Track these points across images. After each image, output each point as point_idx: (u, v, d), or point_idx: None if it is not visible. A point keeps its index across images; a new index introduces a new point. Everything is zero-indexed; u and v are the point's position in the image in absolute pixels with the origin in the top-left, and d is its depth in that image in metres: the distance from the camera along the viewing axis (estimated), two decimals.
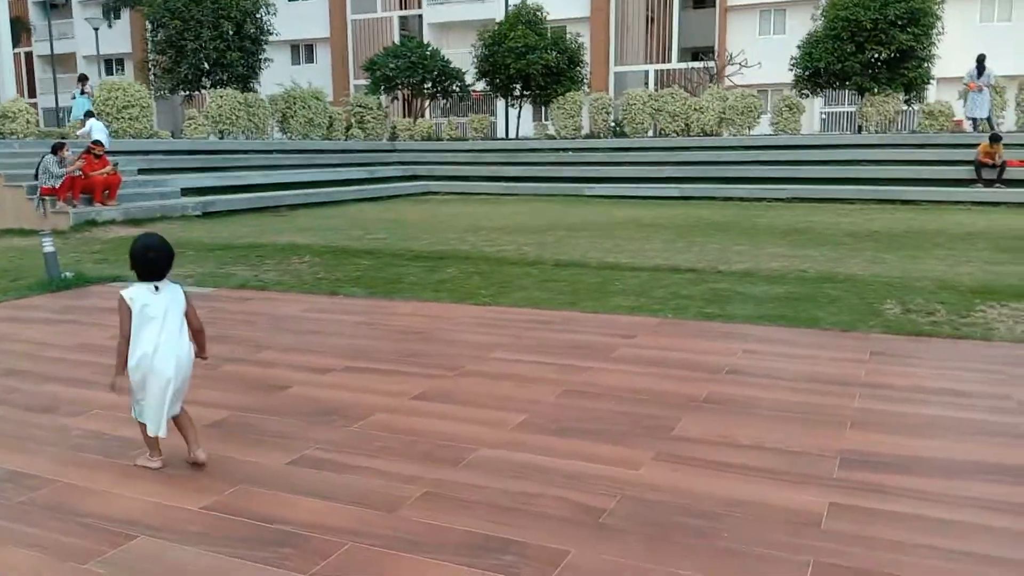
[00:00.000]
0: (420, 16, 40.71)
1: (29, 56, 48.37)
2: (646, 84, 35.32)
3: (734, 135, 23.11)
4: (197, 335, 3.59)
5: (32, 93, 48.36)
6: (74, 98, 17.67)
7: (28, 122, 16.21)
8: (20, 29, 42.12)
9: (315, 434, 3.85)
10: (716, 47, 34.77)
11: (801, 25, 31.45)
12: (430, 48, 29.39)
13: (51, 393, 4.55)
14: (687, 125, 23.68)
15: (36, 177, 13.22)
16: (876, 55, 22.28)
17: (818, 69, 23.31)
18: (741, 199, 19.12)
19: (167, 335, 3.36)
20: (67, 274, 8.10)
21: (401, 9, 41.19)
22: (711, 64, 32.12)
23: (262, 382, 4.72)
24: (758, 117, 23.15)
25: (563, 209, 17.37)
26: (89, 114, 17.57)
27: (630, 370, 4.82)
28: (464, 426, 3.92)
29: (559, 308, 6.66)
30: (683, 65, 35.64)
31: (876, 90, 22.56)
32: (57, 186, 13.13)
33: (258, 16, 24.91)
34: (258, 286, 7.93)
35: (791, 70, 24.53)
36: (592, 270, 8.74)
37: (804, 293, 7.21)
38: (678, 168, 21.36)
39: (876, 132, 22.14)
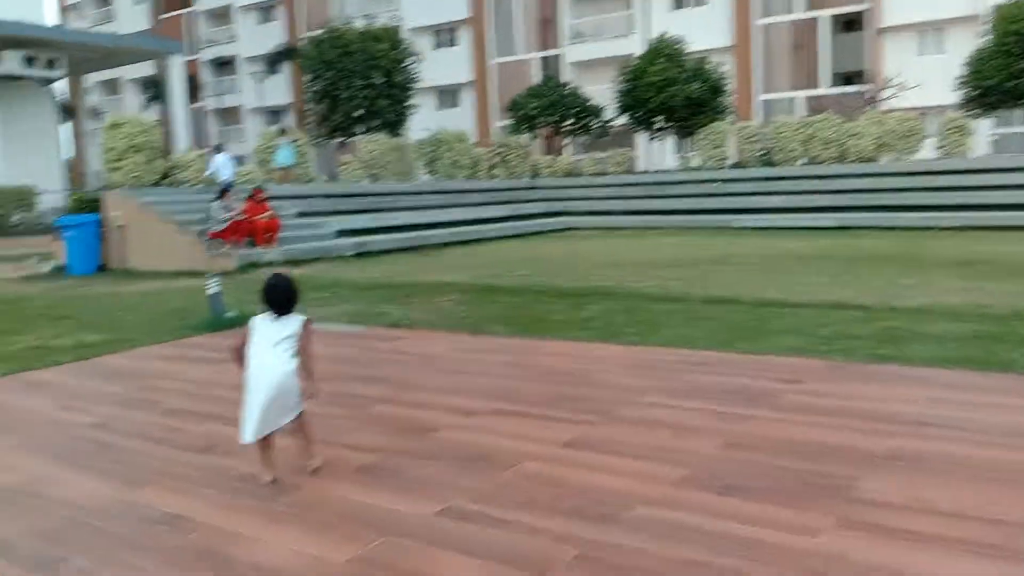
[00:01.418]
0: (561, 56, 41.19)
1: (201, 110, 52.57)
2: (795, 111, 34.04)
3: (895, 160, 21.73)
4: (305, 363, 3.85)
5: (204, 144, 52.50)
6: (279, 148, 19.16)
7: (198, 171, 17.44)
8: (192, 86, 45.87)
9: (463, 481, 3.70)
10: (870, 70, 33.10)
11: (962, 43, 29.48)
12: (570, 86, 29.58)
13: (210, 433, 4.66)
14: (842, 152, 22.52)
15: (204, 222, 14.11)
16: None
17: (987, 88, 21.65)
18: (905, 228, 17.88)
19: (271, 358, 3.72)
20: (230, 314, 8.46)
21: (542, 50, 41.84)
22: (866, 88, 30.57)
23: (411, 424, 4.64)
24: (920, 141, 21.70)
25: (710, 242, 16.81)
26: (218, 148, 18.43)
27: (799, 419, 4.40)
28: (618, 479, 3.65)
29: (712, 348, 6.28)
30: (835, 90, 34.15)
31: None
32: (223, 230, 13.96)
33: (405, 65, 25.90)
34: (407, 324, 7.99)
35: (956, 90, 22.92)
36: (745, 307, 8.26)
37: (991, 332, 6.48)
38: (834, 196, 20.30)
39: None
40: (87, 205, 15.75)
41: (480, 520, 3.28)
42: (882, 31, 33.94)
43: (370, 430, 4.56)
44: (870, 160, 22.12)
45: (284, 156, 19.50)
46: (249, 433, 3.71)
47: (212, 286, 8.38)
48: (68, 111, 39.30)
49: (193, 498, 3.67)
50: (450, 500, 3.49)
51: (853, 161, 22.23)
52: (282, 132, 19.98)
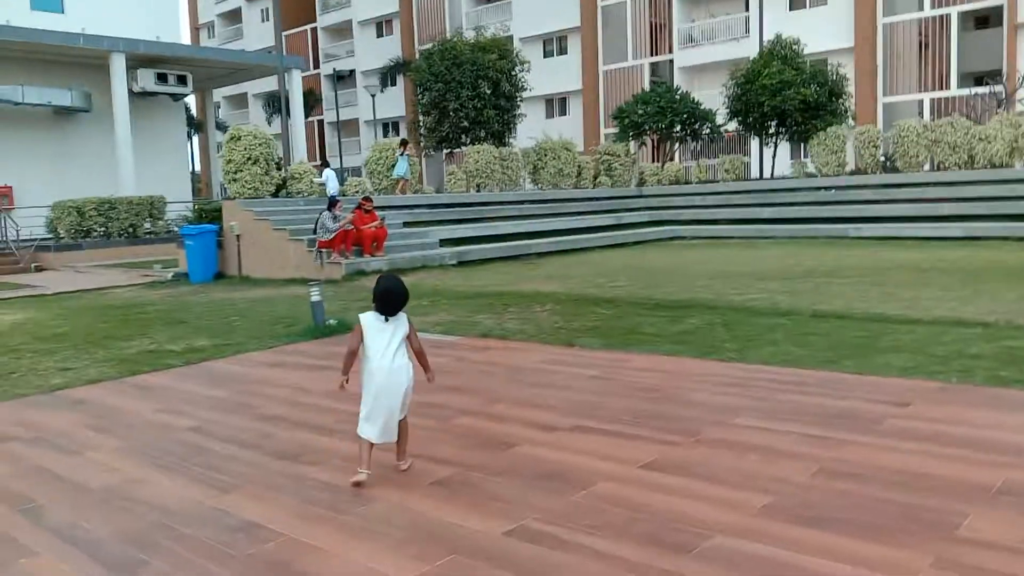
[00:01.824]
0: (671, 61, 40.56)
1: (320, 123, 54.64)
2: (920, 114, 32.29)
3: None
4: (419, 357, 4.11)
5: (322, 155, 54.47)
6: (396, 160, 20.24)
7: (312, 182, 18.06)
8: (312, 100, 47.74)
9: (536, 500, 3.62)
10: (1004, 69, 31.00)
11: None
12: (680, 91, 29.04)
13: (300, 440, 4.76)
14: (971, 157, 21.15)
15: (314, 231, 14.59)
16: None
17: None
18: None
19: (396, 362, 3.95)
20: (331, 321, 8.68)
21: (652, 56, 41.31)
22: (999, 88, 28.67)
23: (491, 438, 4.60)
24: None
25: (823, 252, 16.10)
26: (325, 163, 19.40)
27: (902, 447, 4.09)
28: (698, 505, 3.49)
29: (816, 367, 5.96)
30: (964, 91, 32.17)
31: None
32: (332, 239, 14.39)
33: (513, 74, 26.07)
34: (500, 335, 7.98)
35: None
36: (857, 322, 7.83)
37: None
38: (961, 205, 19.08)
39: None
40: (207, 215, 16.59)
41: (549, 542, 3.19)
42: (1019, 27, 31.75)
43: (450, 442, 4.55)
44: (1002, 166, 20.68)
45: (401, 168, 20.30)
46: (376, 434, 3.94)
47: (314, 294, 8.63)
48: (197, 125, 41.63)
49: (274, 506, 3.74)
50: (521, 519, 3.42)
51: (983, 167, 20.85)
52: (403, 144, 20.78)
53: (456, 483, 3.91)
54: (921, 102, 34.19)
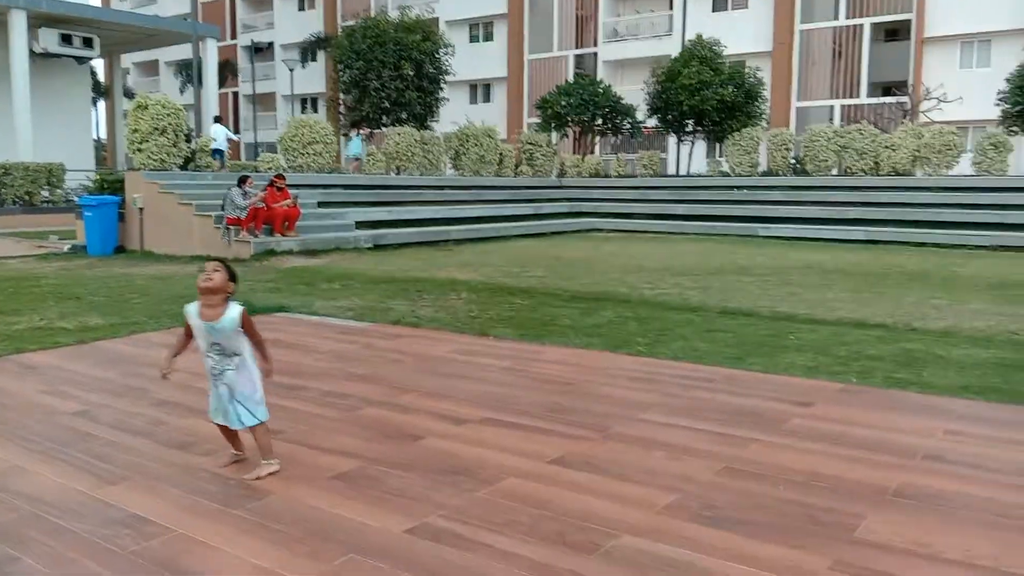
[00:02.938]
0: (595, 54, 40.86)
1: (236, 95, 52.90)
2: (831, 120, 33.45)
3: (930, 175, 21.22)
4: (258, 347, 3.84)
5: (236, 129, 52.77)
6: (350, 139, 20.96)
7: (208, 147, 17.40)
8: (228, 71, 46.14)
9: (440, 497, 3.52)
10: (911, 81, 32.42)
11: (1008, 57, 28.77)
12: (602, 85, 29.28)
13: (192, 428, 4.52)
14: (876, 163, 22.05)
15: (223, 208, 14.06)
16: None
17: None
18: (937, 245, 17.44)
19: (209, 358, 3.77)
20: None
21: (577, 48, 41.53)
22: (905, 99, 29.94)
23: (397, 430, 4.47)
24: (958, 156, 21.18)
25: (734, 250, 16.49)
26: (217, 119, 19.73)
27: (804, 447, 4.16)
28: (604, 503, 3.45)
29: (723, 364, 6.04)
30: (873, 100, 33.51)
31: None
32: (242, 217, 13.89)
33: (437, 57, 25.75)
34: (412, 322, 7.83)
35: (998, 105, 22.34)
36: (763, 320, 8.00)
37: (1017, 360, 6.18)
38: (865, 209, 19.87)
39: None
40: (110, 186, 15.79)
41: (452, 541, 3.09)
42: (925, 41, 33.23)
43: (354, 434, 4.39)
44: (905, 174, 21.62)
45: (355, 147, 20.81)
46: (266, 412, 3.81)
47: None
48: (103, 91, 39.69)
49: (162, 499, 3.52)
50: (424, 516, 3.31)
51: (887, 174, 21.75)
52: (354, 125, 21.72)
53: (358, 477, 3.77)
54: (832, 108, 35.46)
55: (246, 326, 3.73)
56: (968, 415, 4.75)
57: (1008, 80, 22.02)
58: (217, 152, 18.80)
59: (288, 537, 3.13)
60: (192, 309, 3.73)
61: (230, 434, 3.89)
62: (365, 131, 21.35)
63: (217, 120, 19.50)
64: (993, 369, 5.86)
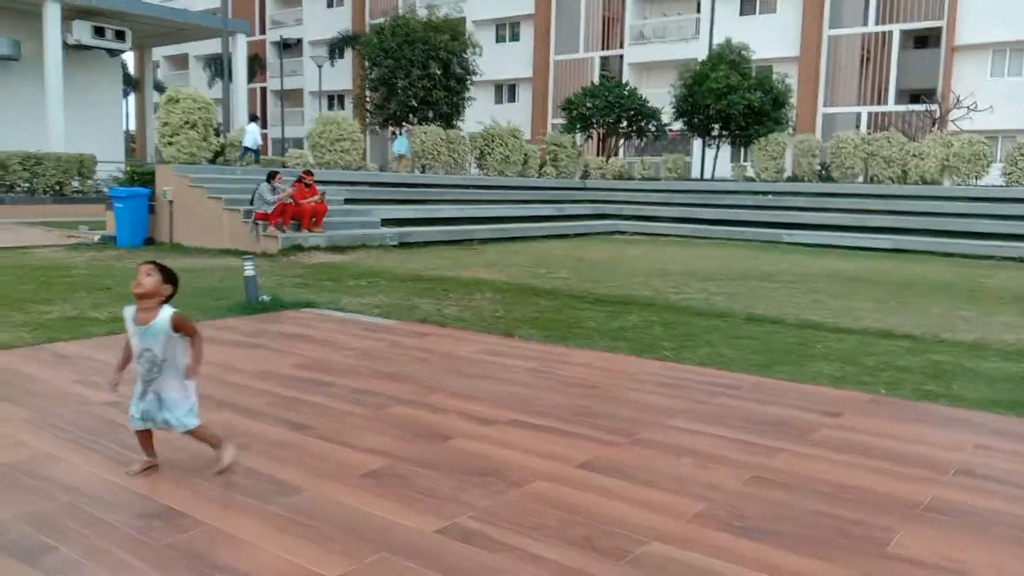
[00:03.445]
0: (621, 56, 40.76)
1: (264, 91, 53.29)
2: (858, 127, 33.16)
3: (958, 184, 20.98)
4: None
5: (264, 124, 53.18)
6: (396, 136, 21.97)
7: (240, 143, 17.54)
8: (256, 66, 46.51)
9: (470, 497, 3.54)
10: (940, 89, 32.07)
11: None
12: (628, 87, 29.21)
13: (223, 422, 4.56)
14: (904, 172, 21.84)
15: (251, 203, 14.18)
16: None
17: None
18: (964, 255, 17.24)
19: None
20: (264, 298, 8.43)
21: (603, 50, 41.45)
22: (934, 107, 29.63)
23: (426, 429, 4.50)
24: (988, 166, 20.92)
25: (758, 255, 16.40)
26: (253, 117, 20.59)
27: (834, 458, 4.14)
28: (633, 509, 3.45)
29: (750, 371, 6.02)
30: (901, 108, 33.18)
31: None
32: (270, 212, 14.01)
33: (465, 57, 25.81)
34: (439, 321, 7.86)
35: None
36: (789, 328, 7.96)
37: None
38: (891, 217, 19.67)
39: None
40: (140, 178, 15.97)
41: (482, 542, 3.11)
42: (956, 49, 32.86)
43: (383, 432, 4.42)
44: (933, 183, 21.39)
45: (401, 145, 21.45)
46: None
47: (248, 268, 8.36)
48: (133, 83, 40.14)
49: (194, 493, 3.57)
50: (454, 517, 3.34)
51: (915, 182, 21.53)
52: (400, 124, 22.57)
53: (387, 476, 3.80)
54: (859, 115, 35.15)
55: (181, 328, 3.62)
56: (998, 430, 4.71)
57: None
58: (248, 150, 19.30)
59: (320, 534, 3.17)
60: (128, 313, 3.65)
61: (146, 440, 3.78)
62: (410, 128, 21.94)
63: (254, 119, 19.94)
64: (1023, 384, 5.80)
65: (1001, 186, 20.95)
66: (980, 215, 18.95)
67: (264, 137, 44.33)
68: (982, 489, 3.77)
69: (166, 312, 3.60)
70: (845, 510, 3.49)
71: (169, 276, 3.69)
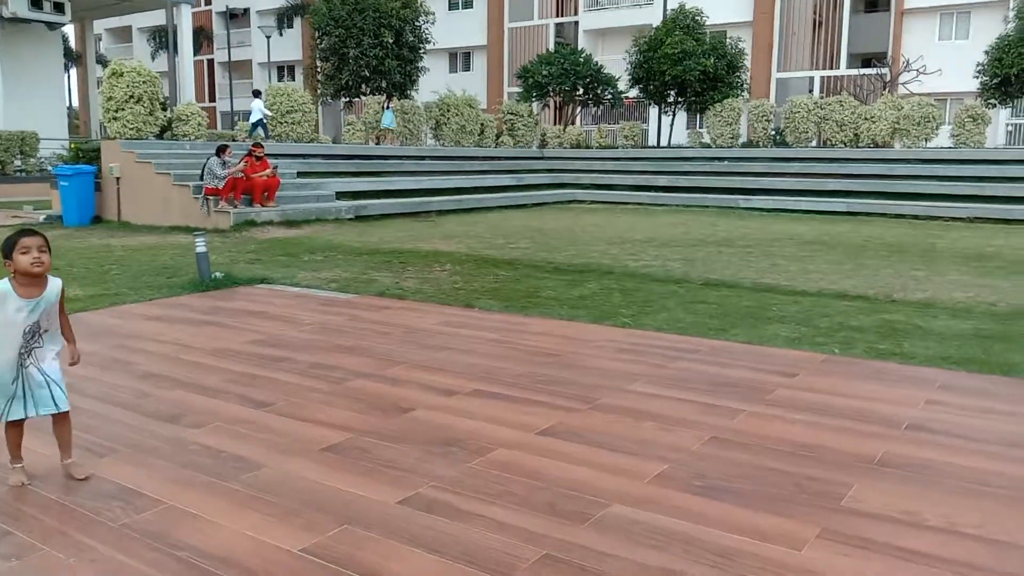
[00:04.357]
0: (576, 23, 40.52)
1: (211, 63, 52.01)
2: (811, 91, 33.49)
3: (909, 147, 21.36)
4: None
5: (212, 98, 51.98)
6: (383, 110, 21.83)
7: (200, 125, 17.10)
8: (202, 38, 45.31)
9: (432, 468, 3.54)
10: (890, 52, 32.49)
11: (987, 29, 28.92)
12: (583, 54, 29.07)
13: (179, 400, 4.50)
14: (856, 135, 22.13)
15: (201, 177, 13.89)
16: None
17: (1008, 76, 21.21)
18: (915, 217, 17.61)
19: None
20: (217, 274, 8.29)
21: (558, 16, 41.15)
22: (884, 71, 30.02)
23: (386, 401, 4.48)
24: (936, 128, 21.29)
25: (715, 221, 16.55)
26: (256, 93, 20.49)
27: (790, 417, 4.22)
28: (595, 473, 3.48)
29: (707, 335, 6.09)
30: (853, 71, 33.57)
31: None
32: (220, 187, 13.73)
33: (417, 25, 25.41)
34: (397, 294, 7.81)
35: (976, 77, 22.47)
36: (746, 292, 8.07)
37: (995, 331, 6.29)
38: (845, 181, 19.99)
39: None
40: (85, 155, 15.53)
41: (445, 512, 3.11)
42: (906, 12, 33.25)
43: (344, 406, 4.39)
44: (884, 146, 21.74)
45: (387, 119, 21.60)
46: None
47: (200, 244, 8.20)
48: (75, 58, 38.87)
49: (152, 472, 3.51)
50: (417, 487, 3.33)
51: (867, 146, 21.86)
52: (388, 97, 22.63)
53: (349, 449, 3.77)
54: (812, 79, 35.47)
55: (62, 300, 3.41)
56: (949, 385, 4.83)
57: (986, 52, 22.12)
58: (258, 124, 19.73)
59: (282, 509, 3.14)
60: (5, 289, 3.26)
61: (18, 436, 3.42)
62: (393, 104, 22.35)
63: (257, 94, 20.12)
64: (972, 340, 5.96)
65: (950, 148, 21.37)
66: (930, 177, 19.33)
67: (212, 111, 43.36)
68: (934, 443, 3.87)
69: (56, 282, 3.37)
70: (801, 467, 3.56)
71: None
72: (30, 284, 3.29)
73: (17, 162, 22.38)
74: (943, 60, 30.23)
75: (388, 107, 21.98)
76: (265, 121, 19.75)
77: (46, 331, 3.38)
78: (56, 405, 3.38)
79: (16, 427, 3.40)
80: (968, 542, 2.89)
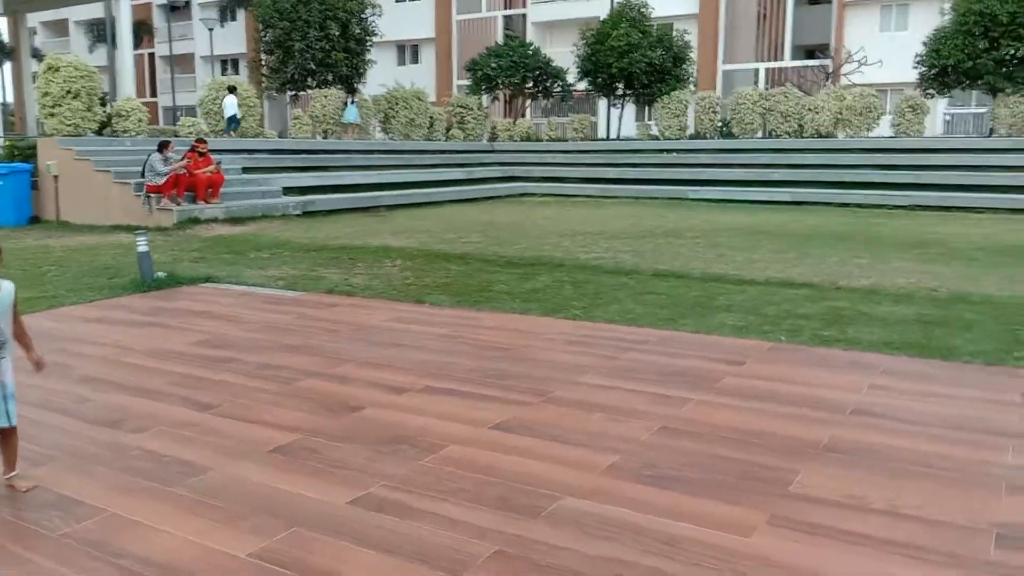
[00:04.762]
0: (524, 15, 40.49)
1: (152, 57, 50.75)
2: (756, 83, 33.98)
3: (851, 137, 21.81)
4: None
5: (153, 92, 50.74)
6: (346, 105, 21.92)
7: (140, 121, 16.67)
8: (143, 31, 44.21)
9: (383, 467, 3.50)
10: (832, 44, 33.12)
11: (926, 21, 29.62)
12: (532, 47, 29.06)
13: (120, 405, 4.37)
14: (800, 126, 22.52)
15: (143, 175, 13.54)
16: (1012, 52, 20.57)
17: (945, 67, 21.77)
18: (859, 205, 17.99)
19: None
20: (160, 274, 8.10)
21: (505, 8, 41.06)
22: (827, 62, 30.60)
23: (335, 400, 4.41)
24: (878, 118, 21.77)
25: (664, 213, 16.70)
26: (232, 89, 19.93)
27: (738, 405, 4.27)
28: (547, 466, 3.48)
29: (657, 326, 6.14)
30: (797, 63, 34.14)
31: (1010, 90, 20.84)
32: (162, 183, 13.40)
33: (364, 17, 25.12)
34: (346, 291, 7.71)
35: (915, 68, 23.02)
36: (695, 282, 8.15)
37: (936, 316, 6.45)
38: (790, 171, 20.32)
39: (1009, 135, 20.42)
40: (21, 152, 15.03)
41: (397, 511, 3.08)
42: (847, 4, 33.91)
43: (292, 406, 4.32)
44: (828, 136, 22.16)
45: (351, 114, 21.64)
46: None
47: (141, 243, 7.99)
48: (8, 52, 37.56)
49: (92, 479, 3.41)
50: (367, 487, 3.29)
51: (811, 136, 22.26)
52: (351, 92, 22.81)
53: (297, 450, 3.71)
54: (757, 71, 35.97)
55: (15, 304, 3.26)
56: (892, 370, 4.94)
57: (925, 44, 22.67)
58: (232, 120, 19.32)
59: (229, 513, 3.07)
60: None
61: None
62: (358, 97, 22.53)
63: (232, 90, 19.76)
64: (915, 325, 6.10)
65: (890, 137, 21.87)
66: (872, 166, 19.76)
67: (154, 106, 42.36)
68: (878, 427, 3.95)
69: (8, 283, 3.21)
70: (749, 454, 3.60)
71: None
72: None
73: None
74: (884, 51, 30.89)
75: (353, 102, 22.03)
76: (238, 116, 19.47)
77: (3, 342, 3.21)
78: (9, 419, 3.24)
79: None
80: (911, 523, 2.95)
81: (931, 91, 22.65)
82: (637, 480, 3.34)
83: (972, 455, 3.59)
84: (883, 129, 23.39)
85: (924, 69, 22.43)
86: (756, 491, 3.22)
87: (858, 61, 28.72)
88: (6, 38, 37.61)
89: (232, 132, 19.10)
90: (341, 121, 21.85)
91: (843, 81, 28.75)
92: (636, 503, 3.12)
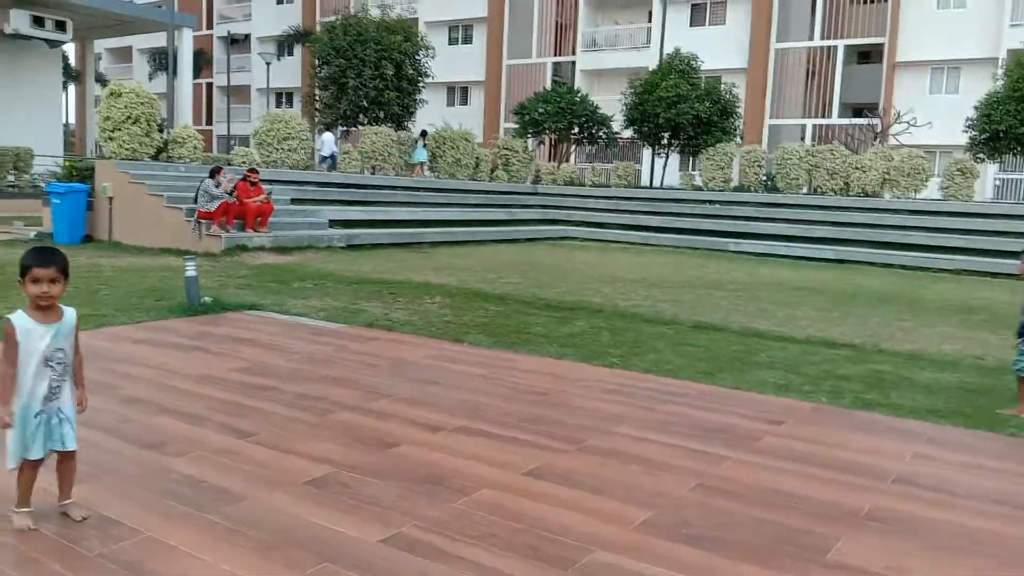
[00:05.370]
0: (573, 63, 41.02)
1: (210, 86, 52.28)
2: (803, 139, 33.92)
3: (898, 197, 21.59)
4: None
5: (209, 121, 52.17)
6: (415, 145, 23.03)
7: (195, 148, 17.12)
8: (202, 61, 45.61)
9: (415, 507, 3.49)
10: (881, 104, 32.98)
11: (976, 84, 29.40)
12: (580, 94, 29.38)
13: (162, 427, 4.44)
14: (846, 184, 22.37)
15: (195, 200, 13.87)
16: None
17: (997, 132, 21.52)
18: (903, 267, 17.73)
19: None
20: (206, 299, 8.25)
21: (555, 55, 41.65)
22: (875, 121, 30.44)
23: (371, 436, 4.43)
24: (926, 180, 21.55)
25: (705, 263, 16.63)
26: (328, 127, 21.84)
27: (777, 466, 4.20)
28: (580, 517, 3.45)
29: (695, 379, 6.08)
30: (844, 121, 34.02)
31: None
32: (212, 210, 13.71)
33: (417, 58, 25.66)
34: (386, 325, 7.78)
35: (965, 132, 22.80)
36: (734, 336, 8.07)
37: (983, 385, 6.30)
38: (834, 228, 20.15)
39: None
40: (79, 173, 15.49)
41: (427, 553, 3.07)
42: (897, 65, 33.82)
43: (328, 438, 4.35)
44: (874, 195, 21.97)
45: (421, 154, 22.72)
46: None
47: (190, 268, 8.16)
48: (74, 75, 38.99)
49: (131, 500, 3.45)
50: (399, 526, 3.29)
51: (857, 195, 22.09)
52: (423, 134, 23.45)
53: (331, 484, 3.73)
54: (804, 127, 35.93)
55: (77, 333, 3.26)
56: (936, 439, 4.83)
57: (976, 108, 22.49)
58: (326, 158, 20.89)
59: (262, 544, 3.09)
60: (22, 319, 3.09)
61: (33, 479, 3.20)
62: (427, 141, 23.44)
63: (328, 128, 20.57)
64: (959, 393, 5.97)
65: (938, 200, 21.60)
66: (918, 228, 19.51)
67: (209, 134, 43.47)
68: (921, 498, 3.85)
69: (71, 310, 3.24)
70: (788, 518, 3.53)
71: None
72: (44, 309, 3.14)
73: (10, 177, 22.33)
74: (933, 113, 30.70)
75: (424, 144, 23.07)
76: (337, 155, 20.29)
77: (65, 366, 3.22)
78: (64, 443, 3.21)
79: (33, 467, 3.18)
80: None
81: (981, 155, 22.39)
82: (671, 538, 3.29)
83: (1021, 532, 3.48)
84: (931, 191, 23.14)
85: (975, 133, 22.20)
86: (794, 556, 3.16)
87: (907, 122, 28.52)
88: (73, 62, 39.04)
89: (327, 169, 20.25)
90: (410, 161, 22.78)
91: (891, 141, 28.55)
92: (670, 561, 3.07)
